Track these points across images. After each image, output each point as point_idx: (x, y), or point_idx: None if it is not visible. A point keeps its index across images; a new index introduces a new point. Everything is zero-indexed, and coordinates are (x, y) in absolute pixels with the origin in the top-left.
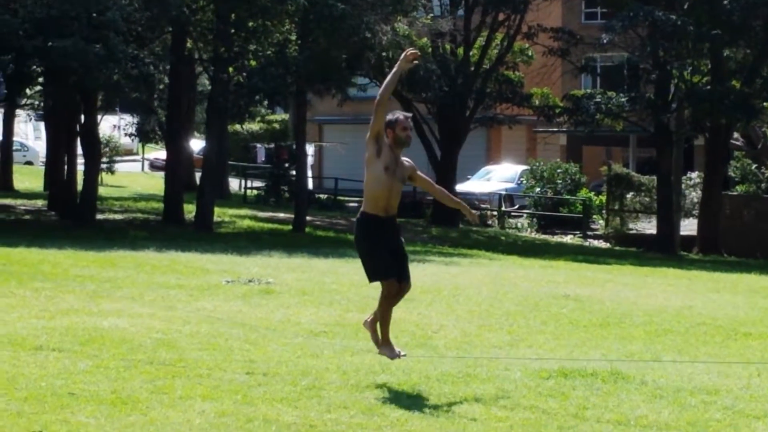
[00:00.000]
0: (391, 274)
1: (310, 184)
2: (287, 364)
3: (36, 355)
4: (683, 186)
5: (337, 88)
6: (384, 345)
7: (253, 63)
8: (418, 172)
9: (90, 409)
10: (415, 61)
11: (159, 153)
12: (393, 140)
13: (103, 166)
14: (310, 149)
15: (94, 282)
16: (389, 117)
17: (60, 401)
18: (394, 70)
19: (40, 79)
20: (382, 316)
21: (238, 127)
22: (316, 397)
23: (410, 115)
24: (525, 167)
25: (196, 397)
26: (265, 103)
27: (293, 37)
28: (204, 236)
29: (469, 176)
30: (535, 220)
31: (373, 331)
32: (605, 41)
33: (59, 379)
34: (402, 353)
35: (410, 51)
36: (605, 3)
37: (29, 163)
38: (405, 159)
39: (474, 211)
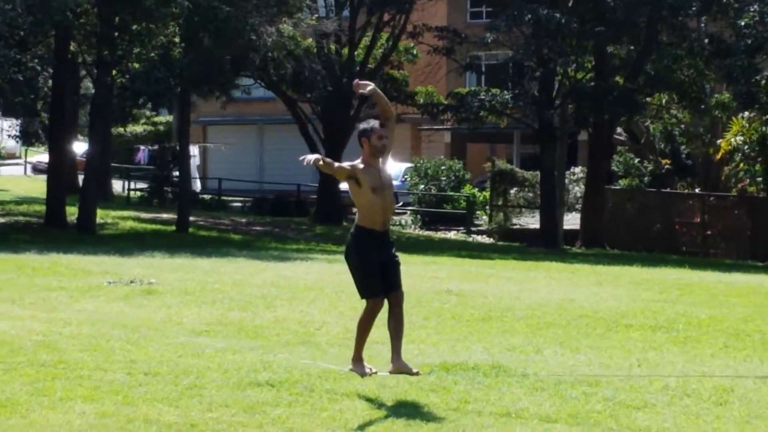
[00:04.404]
0: (379, 293)
1: (198, 185)
2: (168, 363)
3: None
4: (567, 181)
5: (221, 90)
6: (355, 362)
7: (136, 66)
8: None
9: None
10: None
11: (42, 156)
12: (369, 151)
13: None
14: (194, 150)
15: None
16: (363, 126)
17: None
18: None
19: None
20: (361, 332)
21: (121, 129)
22: (198, 396)
23: None
24: (409, 165)
25: (77, 398)
26: (149, 105)
27: (177, 40)
28: (86, 238)
29: None
30: (419, 216)
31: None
32: (490, 40)
33: None
34: (373, 370)
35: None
36: (490, 2)
37: None
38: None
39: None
